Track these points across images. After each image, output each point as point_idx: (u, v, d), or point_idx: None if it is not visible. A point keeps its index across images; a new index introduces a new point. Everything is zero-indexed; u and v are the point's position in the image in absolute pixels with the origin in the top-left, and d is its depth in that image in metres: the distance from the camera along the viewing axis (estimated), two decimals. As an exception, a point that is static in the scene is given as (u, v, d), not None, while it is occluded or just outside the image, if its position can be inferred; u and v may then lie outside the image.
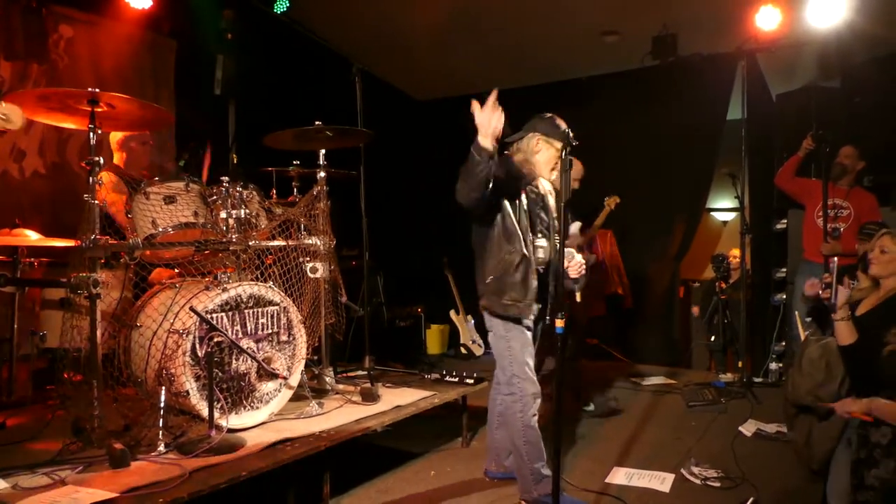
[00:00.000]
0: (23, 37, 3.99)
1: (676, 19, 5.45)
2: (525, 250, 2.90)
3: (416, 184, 7.03)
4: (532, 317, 2.99)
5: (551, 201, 3.09)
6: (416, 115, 7.56)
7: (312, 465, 2.84)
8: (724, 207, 8.63)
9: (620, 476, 3.35)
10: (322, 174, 3.80)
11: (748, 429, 4.07)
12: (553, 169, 3.00)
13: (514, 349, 2.97)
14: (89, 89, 2.64)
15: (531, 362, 2.99)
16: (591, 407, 4.53)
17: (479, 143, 2.57)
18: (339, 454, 2.96)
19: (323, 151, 3.81)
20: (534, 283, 2.92)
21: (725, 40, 5.52)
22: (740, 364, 5.28)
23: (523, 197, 2.97)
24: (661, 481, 3.27)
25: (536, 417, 2.98)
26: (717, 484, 3.22)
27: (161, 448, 2.69)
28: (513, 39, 5.90)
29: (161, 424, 2.75)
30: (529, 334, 3.01)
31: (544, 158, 2.98)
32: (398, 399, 3.57)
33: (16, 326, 3.05)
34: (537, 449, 2.97)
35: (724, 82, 6.02)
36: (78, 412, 2.89)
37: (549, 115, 3.01)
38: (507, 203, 2.90)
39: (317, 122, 3.64)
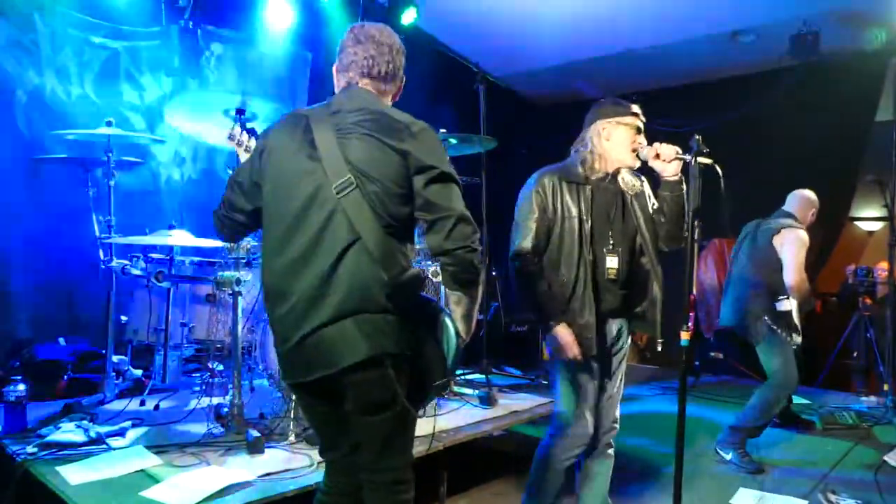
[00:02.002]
0: (180, 54, 4.42)
1: (817, 15, 5.10)
2: (573, 272, 2.44)
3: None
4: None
5: (639, 200, 2.53)
6: (536, 119, 7.55)
7: (430, 464, 2.92)
8: (869, 216, 7.94)
9: (746, 498, 3.18)
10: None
11: None
12: (634, 150, 2.43)
13: (562, 383, 2.51)
14: (238, 106, 2.88)
15: (587, 399, 2.50)
16: (730, 455, 3.68)
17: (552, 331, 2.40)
18: (456, 455, 3.02)
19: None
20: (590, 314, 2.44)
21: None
22: (886, 387, 4.86)
23: (580, 204, 2.49)
24: (793, 508, 3.08)
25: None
26: (859, 516, 2.98)
27: (292, 437, 2.87)
28: (639, 41, 5.77)
29: (293, 415, 2.93)
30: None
31: (618, 141, 2.43)
32: (515, 404, 3.60)
33: (169, 318, 3.37)
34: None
35: (871, 81, 5.58)
36: (219, 399, 3.16)
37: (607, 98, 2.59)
38: (555, 230, 2.49)
39: (441, 130, 3.74)
